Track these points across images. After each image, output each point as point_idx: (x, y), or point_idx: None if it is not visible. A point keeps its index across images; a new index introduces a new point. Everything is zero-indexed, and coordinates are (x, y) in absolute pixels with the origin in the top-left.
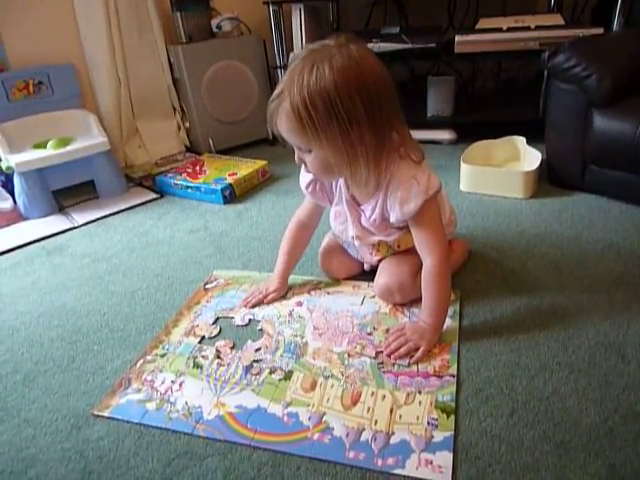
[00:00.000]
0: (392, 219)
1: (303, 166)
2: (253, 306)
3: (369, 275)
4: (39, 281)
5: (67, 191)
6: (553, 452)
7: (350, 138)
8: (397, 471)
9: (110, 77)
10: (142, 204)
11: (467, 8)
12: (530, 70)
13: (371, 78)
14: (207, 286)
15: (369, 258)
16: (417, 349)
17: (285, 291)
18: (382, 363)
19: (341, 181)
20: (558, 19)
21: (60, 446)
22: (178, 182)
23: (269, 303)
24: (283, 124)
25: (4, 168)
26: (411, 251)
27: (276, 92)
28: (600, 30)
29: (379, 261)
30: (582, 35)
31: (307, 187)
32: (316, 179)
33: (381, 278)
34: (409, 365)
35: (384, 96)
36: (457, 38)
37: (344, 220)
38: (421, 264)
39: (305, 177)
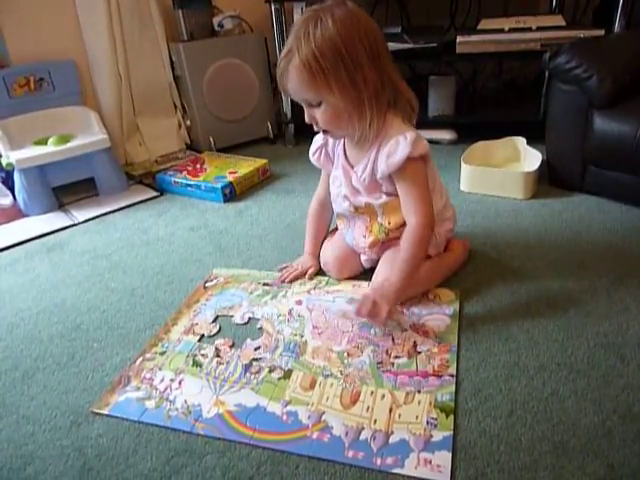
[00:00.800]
0: (379, 174)
1: (316, 133)
2: (291, 281)
3: (369, 274)
4: (39, 278)
5: (67, 188)
6: (551, 452)
7: (356, 81)
8: (396, 470)
9: (111, 74)
10: (142, 202)
11: (469, 8)
12: (531, 71)
13: (369, 28)
14: (207, 284)
15: (362, 242)
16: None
17: (319, 267)
18: (381, 362)
19: (340, 146)
20: (559, 20)
21: (59, 443)
22: (178, 180)
23: (310, 278)
24: (294, 79)
25: (4, 164)
26: None
27: (284, 52)
28: (601, 31)
29: (370, 247)
30: (583, 36)
31: (314, 154)
32: (321, 146)
33: (379, 276)
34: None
35: (381, 45)
36: (459, 38)
37: (340, 184)
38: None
39: (314, 145)
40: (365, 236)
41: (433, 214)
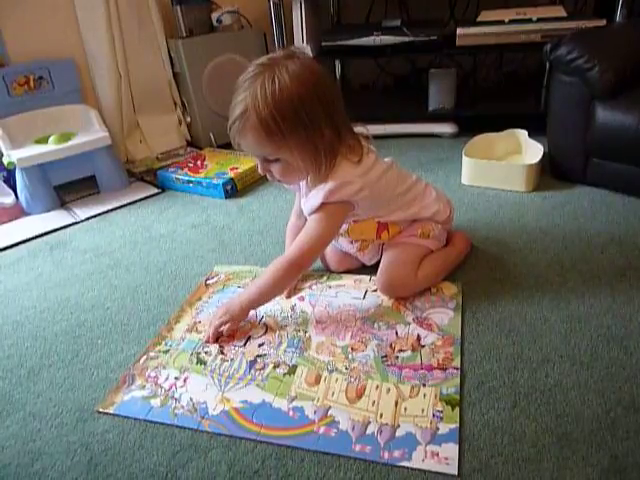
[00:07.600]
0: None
1: (268, 176)
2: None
3: (371, 269)
4: (42, 276)
5: (68, 186)
6: (555, 444)
7: (314, 138)
8: (403, 463)
9: (110, 72)
10: (143, 199)
11: (468, 0)
12: (532, 62)
13: (324, 81)
14: (208, 282)
15: (351, 247)
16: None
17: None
18: (386, 356)
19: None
20: (560, 11)
21: (65, 439)
22: (179, 177)
23: (288, 297)
24: (250, 139)
25: (6, 164)
26: (411, 245)
27: (238, 112)
28: (602, 22)
29: (361, 251)
30: (585, 27)
31: None
32: None
33: (383, 274)
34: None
35: (335, 96)
36: (459, 31)
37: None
38: (423, 258)
39: None
40: (352, 242)
41: (311, 258)
